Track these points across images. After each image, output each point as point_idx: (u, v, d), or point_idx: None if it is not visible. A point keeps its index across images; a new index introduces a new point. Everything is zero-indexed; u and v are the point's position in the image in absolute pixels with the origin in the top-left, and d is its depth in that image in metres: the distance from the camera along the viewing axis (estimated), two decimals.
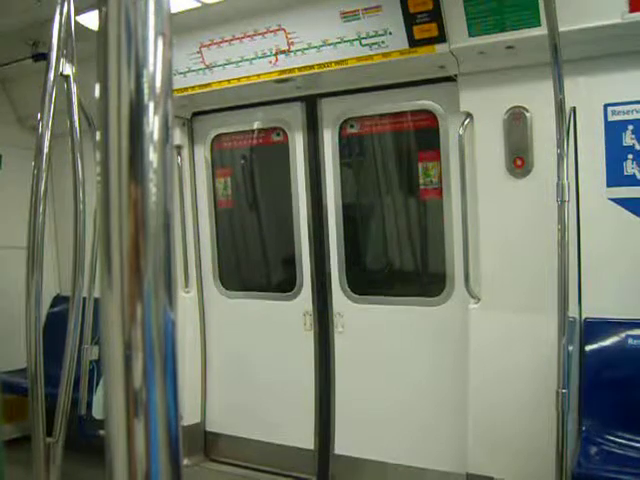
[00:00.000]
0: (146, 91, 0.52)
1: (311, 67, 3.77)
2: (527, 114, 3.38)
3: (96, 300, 3.09)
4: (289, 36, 3.75)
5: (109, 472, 0.53)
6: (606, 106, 3.23)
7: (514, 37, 3.18)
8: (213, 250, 4.76)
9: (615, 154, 3.22)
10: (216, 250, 4.76)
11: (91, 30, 3.22)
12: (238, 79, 4.02)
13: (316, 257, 4.32)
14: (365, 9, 3.48)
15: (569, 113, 3.03)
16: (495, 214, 3.52)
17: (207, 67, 4.06)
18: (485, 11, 3.19)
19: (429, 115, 3.88)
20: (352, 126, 4.20)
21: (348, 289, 4.24)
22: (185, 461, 4.51)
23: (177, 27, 3.66)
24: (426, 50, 3.42)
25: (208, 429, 4.74)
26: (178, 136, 4.60)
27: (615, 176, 3.23)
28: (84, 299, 2.50)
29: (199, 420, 4.70)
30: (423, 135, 4.01)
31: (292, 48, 3.77)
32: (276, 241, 4.78)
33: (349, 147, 4.28)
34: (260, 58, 3.88)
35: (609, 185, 3.25)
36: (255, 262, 4.88)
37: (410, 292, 4.14)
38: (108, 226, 0.52)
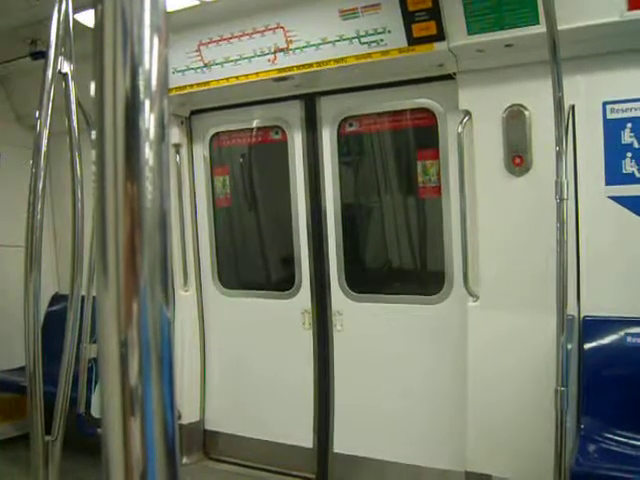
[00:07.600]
0: (142, 89, 0.52)
1: (310, 65, 3.77)
2: (526, 112, 3.38)
3: (94, 299, 3.08)
4: (288, 34, 3.74)
5: (105, 470, 0.53)
6: (605, 104, 3.23)
7: (513, 35, 3.18)
8: (212, 249, 4.75)
9: (614, 152, 3.22)
10: (215, 249, 4.75)
11: (89, 28, 3.21)
12: (237, 77, 4.01)
13: (315, 255, 4.31)
14: (364, 7, 3.47)
15: (568, 111, 3.03)
16: (494, 212, 3.52)
17: (206, 65, 4.06)
18: (484, 9, 3.18)
19: (428, 113, 3.88)
20: (351, 124, 4.19)
21: (347, 287, 4.23)
22: (184, 459, 4.51)
23: (176, 25, 3.66)
24: (425, 48, 3.41)
25: (207, 427, 4.73)
26: (177, 134, 4.60)
27: (614, 174, 3.23)
28: (82, 297, 2.49)
29: (198, 419, 4.70)
30: (422, 133, 4.01)
31: (291, 46, 3.76)
32: (275, 239, 4.78)
33: (348, 145, 4.28)
34: (259, 56, 3.87)
35: (608, 183, 3.25)
36: (254, 261, 4.88)
37: (409, 290, 4.14)
38: (104, 224, 0.52)
